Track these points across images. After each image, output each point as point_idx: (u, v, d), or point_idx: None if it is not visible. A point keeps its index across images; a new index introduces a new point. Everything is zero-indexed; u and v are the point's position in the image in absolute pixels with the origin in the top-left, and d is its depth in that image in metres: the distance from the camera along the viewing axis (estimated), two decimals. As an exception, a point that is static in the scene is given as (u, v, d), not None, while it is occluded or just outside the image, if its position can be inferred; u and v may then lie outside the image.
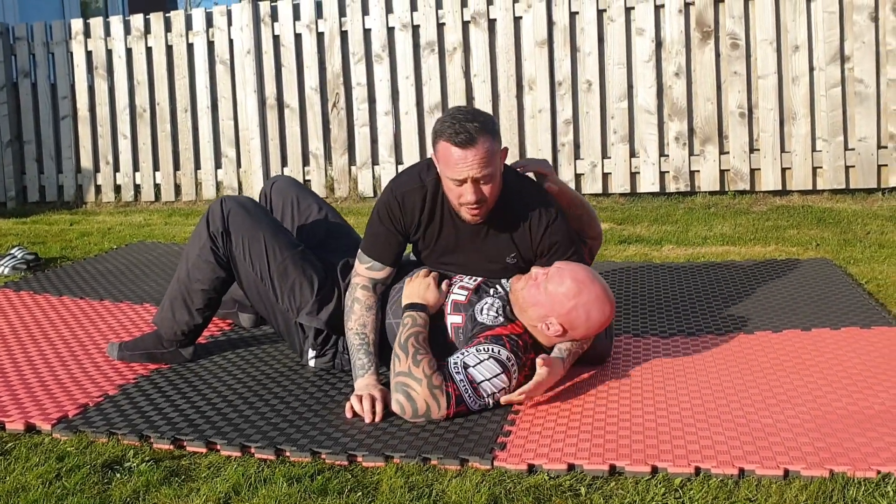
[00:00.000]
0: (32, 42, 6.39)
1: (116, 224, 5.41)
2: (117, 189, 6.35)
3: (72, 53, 6.36)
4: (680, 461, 1.81)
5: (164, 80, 6.18)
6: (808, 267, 3.49)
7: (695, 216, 4.83)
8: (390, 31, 5.77)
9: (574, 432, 1.98)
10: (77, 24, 6.33)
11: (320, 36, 5.90)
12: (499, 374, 2.11)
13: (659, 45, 5.35)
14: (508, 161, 2.44)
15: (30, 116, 6.43)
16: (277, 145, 6.00)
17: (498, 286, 2.35)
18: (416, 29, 5.72)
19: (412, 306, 2.27)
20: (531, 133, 5.57)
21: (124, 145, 6.29)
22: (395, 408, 2.09)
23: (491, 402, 2.12)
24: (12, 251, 4.07)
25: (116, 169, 6.34)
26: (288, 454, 1.95)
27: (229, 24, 6.04)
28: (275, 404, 2.23)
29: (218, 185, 6.16)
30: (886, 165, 5.07)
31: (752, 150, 5.26)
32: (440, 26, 5.67)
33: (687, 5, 5.28)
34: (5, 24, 6.49)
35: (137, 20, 6.22)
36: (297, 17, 5.92)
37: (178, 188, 6.25)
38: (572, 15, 5.45)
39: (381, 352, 2.33)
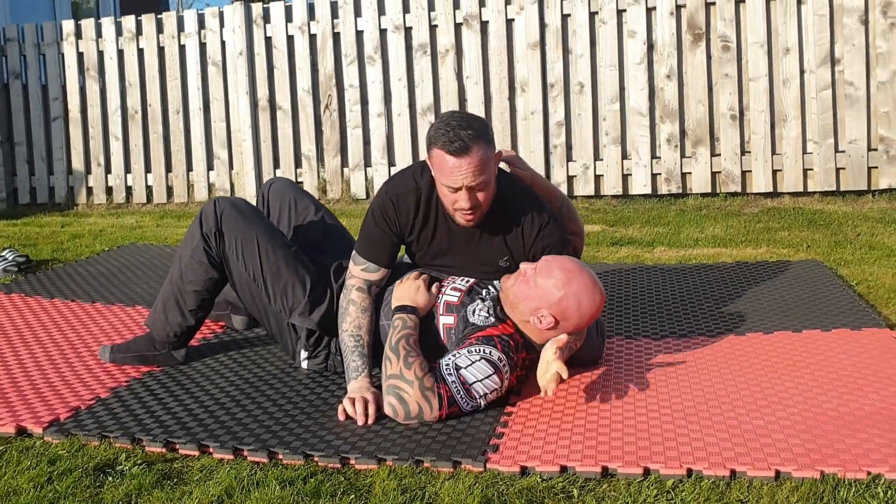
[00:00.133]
0: (23, 43, 6.37)
1: (108, 226, 5.40)
2: (109, 191, 6.33)
3: (63, 55, 6.34)
4: (672, 463, 1.82)
5: (155, 81, 6.17)
6: (800, 269, 3.51)
7: (686, 218, 4.85)
8: (383, 32, 5.77)
9: (567, 434, 1.99)
10: (68, 26, 6.32)
11: (313, 38, 5.89)
12: (490, 375, 2.11)
13: (651, 47, 5.36)
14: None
15: (21, 118, 6.41)
16: (270, 147, 6.00)
17: (490, 287, 2.36)
18: (408, 31, 5.72)
19: (402, 308, 2.27)
20: (523, 135, 5.58)
21: (116, 147, 6.27)
22: (387, 410, 2.09)
23: (483, 403, 2.12)
24: (3, 253, 4.05)
25: (108, 170, 6.32)
26: (280, 457, 1.95)
27: (221, 25, 6.03)
28: (267, 407, 2.23)
29: (210, 186, 6.15)
30: (876, 167, 5.10)
31: (743, 152, 5.28)
32: (432, 28, 5.68)
33: (678, 8, 5.30)
34: (-4, 25, 6.47)
35: (129, 21, 6.21)
36: (289, 18, 5.91)
37: (169, 190, 6.24)
38: (564, 17, 5.47)
39: (374, 353, 2.34)
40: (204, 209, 2.54)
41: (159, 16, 6.19)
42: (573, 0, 5.43)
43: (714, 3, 5.26)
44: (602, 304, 2.20)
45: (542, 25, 5.49)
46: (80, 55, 6.30)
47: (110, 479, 1.87)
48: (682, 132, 5.37)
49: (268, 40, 5.95)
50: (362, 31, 5.79)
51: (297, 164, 5.98)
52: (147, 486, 1.82)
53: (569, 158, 5.52)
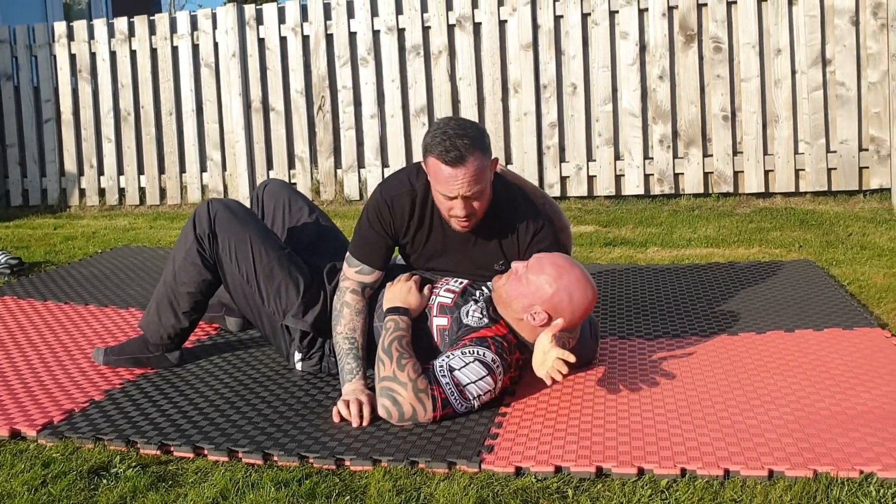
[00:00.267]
0: (15, 45, 6.34)
1: (101, 228, 5.38)
2: (101, 193, 6.31)
3: (55, 56, 6.32)
4: (666, 463, 1.83)
5: (148, 83, 6.15)
6: (792, 269, 3.52)
7: (679, 218, 4.86)
8: (376, 34, 5.77)
9: (561, 434, 1.99)
10: (60, 27, 6.30)
11: (305, 39, 5.89)
12: (484, 377, 2.12)
13: (643, 48, 5.38)
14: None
15: (12, 119, 6.38)
16: (263, 149, 5.99)
17: (484, 288, 2.36)
18: (401, 32, 5.73)
19: (394, 310, 2.27)
20: (516, 136, 5.59)
21: (108, 149, 6.25)
22: (381, 412, 2.09)
23: (477, 404, 2.13)
24: (-5, 256, 4.04)
25: (101, 172, 6.30)
26: (275, 458, 1.95)
27: (214, 27, 6.02)
28: (262, 408, 2.23)
29: (203, 188, 6.14)
30: (868, 168, 5.12)
31: (735, 152, 5.30)
32: (425, 30, 5.68)
33: (670, 9, 5.31)
34: (-13, 26, 6.44)
35: (121, 23, 6.19)
36: (282, 20, 5.91)
37: (162, 192, 6.22)
38: (557, 18, 5.48)
39: (368, 355, 2.34)
40: (197, 211, 2.54)
41: (152, 17, 6.17)
42: (566, 1, 5.44)
43: (706, 5, 5.28)
44: (594, 298, 2.20)
45: (535, 27, 5.50)
46: (72, 57, 6.29)
47: (105, 481, 1.86)
48: (675, 133, 5.39)
49: (261, 42, 5.95)
50: (355, 33, 5.80)
51: (291, 165, 5.98)
52: (142, 488, 1.82)
53: (562, 159, 5.54)
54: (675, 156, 5.38)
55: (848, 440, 1.89)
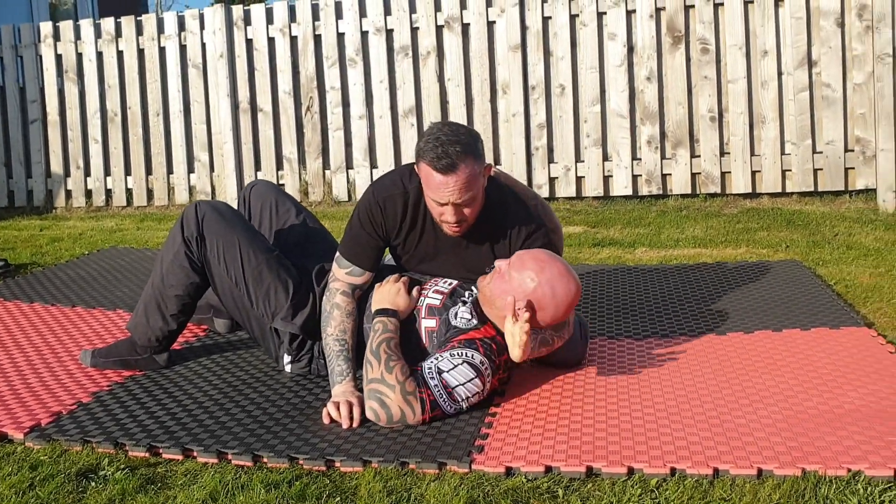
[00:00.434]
0: (0, 45, 6.30)
1: (88, 229, 5.35)
2: (88, 194, 6.27)
3: (41, 57, 6.28)
4: (656, 462, 1.83)
5: (135, 83, 6.13)
6: (779, 269, 3.54)
7: (667, 219, 4.88)
8: (364, 35, 5.77)
9: (551, 434, 2.00)
10: (46, 28, 6.26)
11: (294, 40, 5.88)
12: (473, 379, 2.12)
13: (631, 49, 5.40)
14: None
15: (-2, 120, 6.35)
16: (251, 149, 5.97)
17: (473, 289, 2.36)
18: (389, 33, 5.72)
19: (382, 312, 2.26)
20: (505, 137, 5.59)
21: (95, 149, 6.22)
22: (369, 415, 2.09)
23: (465, 406, 2.13)
24: (-19, 257, 4.02)
25: (87, 173, 6.27)
26: (265, 460, 1.95)
27: (202, 27, 6.00)
28: (251, 410, 2.22)
29: (191, 189, 6.12)
30: (853, 168, 5.16)
31: (722, 153, 5.33)
32: (414, 31, 5.68)
33: (658, 10, 5.33)
34: (-28, 27, 6.40)
35: (108, 23, 6.16)
36: (270, 20, 5.89)
37: (150, 193, 6.20)
38: (545, 20, 5.49)
39: (357, 356, 2.33)
40: (185, 213, 2.53)
41: (139, 18, 6.14)
42: (554, 3, 5.45)
43: (693, 6, 5.30)
44: (577, 292, 2.19)
45: (524, 28, 5.51)
46: (58, 57, 6.25)
47: (93, 484, 1.85)
48: (663, 134, 5.41)
49: (248, 42, 5.93)
50: (343, 34, 5.79)
51: (279, 166, 5.97)
52: (130, 490, 1.81)
53: (550, 160, 5.55)
54: (662, 157, 5.40)
55: (835, 438, 1.90)
